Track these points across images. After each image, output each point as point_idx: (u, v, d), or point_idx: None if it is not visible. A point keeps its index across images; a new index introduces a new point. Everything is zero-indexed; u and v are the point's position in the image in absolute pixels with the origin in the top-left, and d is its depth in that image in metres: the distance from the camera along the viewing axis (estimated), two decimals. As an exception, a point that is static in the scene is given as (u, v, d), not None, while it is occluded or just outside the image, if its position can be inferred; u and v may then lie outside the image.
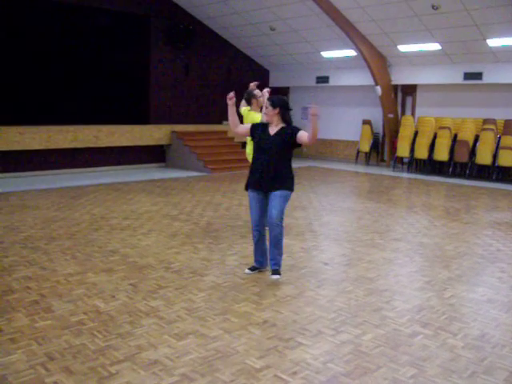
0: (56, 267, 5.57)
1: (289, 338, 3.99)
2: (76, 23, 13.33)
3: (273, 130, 5.35)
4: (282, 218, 5.31)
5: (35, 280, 5.15)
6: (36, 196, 9.75)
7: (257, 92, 7.03)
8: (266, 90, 6.92)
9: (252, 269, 5.59)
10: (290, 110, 5.43)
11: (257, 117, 6.75)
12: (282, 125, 5.36)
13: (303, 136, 5.26)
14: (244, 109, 7.15)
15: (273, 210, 5.25)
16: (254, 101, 6.99)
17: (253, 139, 5.53)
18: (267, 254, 5.51)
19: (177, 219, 8.05)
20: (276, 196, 5.26)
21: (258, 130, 5.44)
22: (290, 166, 5.41)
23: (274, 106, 5.30)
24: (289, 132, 5.31)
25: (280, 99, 5.39)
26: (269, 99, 5.45)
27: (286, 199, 5.31)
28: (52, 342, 3.81)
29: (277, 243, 5.33)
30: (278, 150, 5.27)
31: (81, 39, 13.48)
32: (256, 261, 5.60)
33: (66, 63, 13.22)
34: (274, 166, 5.25)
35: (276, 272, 5.31)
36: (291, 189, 5.37)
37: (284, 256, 6.05)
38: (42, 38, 12.76)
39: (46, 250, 6.23)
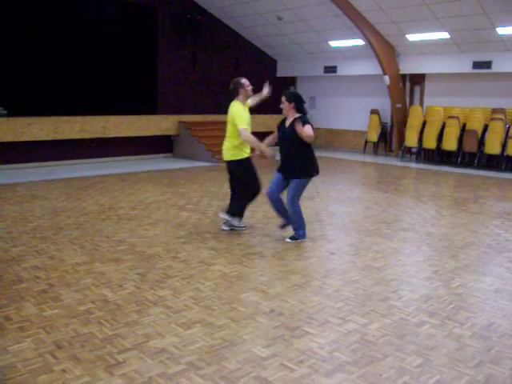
0: (64, 257, 5.60)
1: (295, 326, 4.00)
2: (83, 13, 13.30)
3: (288, 122, 6.00)
4: (294, 201, 6.11)
5: (43, 269, 5.19)
6: (44, 186, 9.80)
7: (244, 81, 6.45)
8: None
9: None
10: (304, 102, 6.02)
11: (240, 109, 6.30)
12: (295, 115, 5.92)
13: (304, 130, 5.76)
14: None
15: (288, 193, 6.11)
16: (241, 90, 6.40)
17: (278, 133, 6.23)
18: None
19: (184, 209, 8.07)
20: (292, 183, 6.06)
21: (282, 124, 6.13)
22: (305, 154, 6.02)
23: (289, 101, 5.90)
24: (299, 121, 5.80)
25: (294, 94, 6.04)
26: (284, 94, 6.01)
27: (300, 186, 6.08)
28: (60, 331, 3.84)
29: (293, 219, 6.26)
30: (292, 141, 5.90)
31: (88, 29, 13.45)
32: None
33: (73, 53, 13.21)
34: (290, 155, 5.99)
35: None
36: (305, 177, 6.07)
37: (291, 245, 6.13)
38: (49, 28, 12.75)
39: (54, 239, 6.26)
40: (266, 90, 6.89)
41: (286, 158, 6.04)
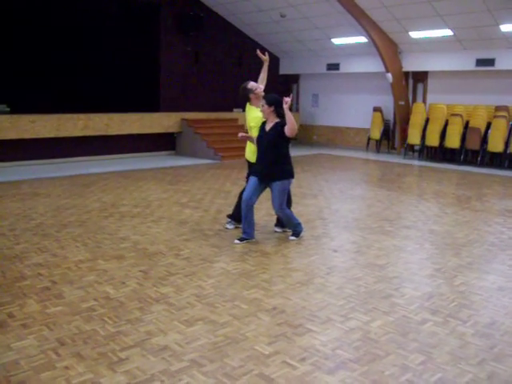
0: (67, 254, 5.62)
1: (298, 324, 4.00)
2: (86, 11, 13.31)
3: (268, 126, 6.00)
4: (282, 207, 6.10)
5: (46, 267, 5.20)
6: (47, 184, 9.81)
7: (251, 85, 6.46)
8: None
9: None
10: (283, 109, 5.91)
11: (257, 113, 6.26)
12: (276, 120, 5.96)
13: (285, 128, 5.86)
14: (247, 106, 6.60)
15: (274, 202, 6.07)
16: (252, 96, 6.42)
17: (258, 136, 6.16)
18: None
19: (187, 206, 8.07)
20: (275, 188, 6.00)
21: (261, 127, 6.11)
22: (286, 157, 6.07)
23: (269, 104, 5.91)
24: (280, 126, 5.90)
25: (274, 98, 5.97)
26: (264, 98, 6.01)
27: (284, 190, 6.04)
28: (63, 328, 3.85)
29: (287, 222, 6.35)
30: (272, 145, 5.92)
31: (91, 27, 13.46)
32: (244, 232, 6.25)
33: (76, 51, 13.23)
34: (272, 157, 5.94)
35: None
36: (287, 178, 6.04)
37: (293, 243, 6.16)
38: (53, 26, 12.76)
39: (57, 237, 6.28)
40: (264, 57, 6.75)
41: (267, 161, 5.96)
